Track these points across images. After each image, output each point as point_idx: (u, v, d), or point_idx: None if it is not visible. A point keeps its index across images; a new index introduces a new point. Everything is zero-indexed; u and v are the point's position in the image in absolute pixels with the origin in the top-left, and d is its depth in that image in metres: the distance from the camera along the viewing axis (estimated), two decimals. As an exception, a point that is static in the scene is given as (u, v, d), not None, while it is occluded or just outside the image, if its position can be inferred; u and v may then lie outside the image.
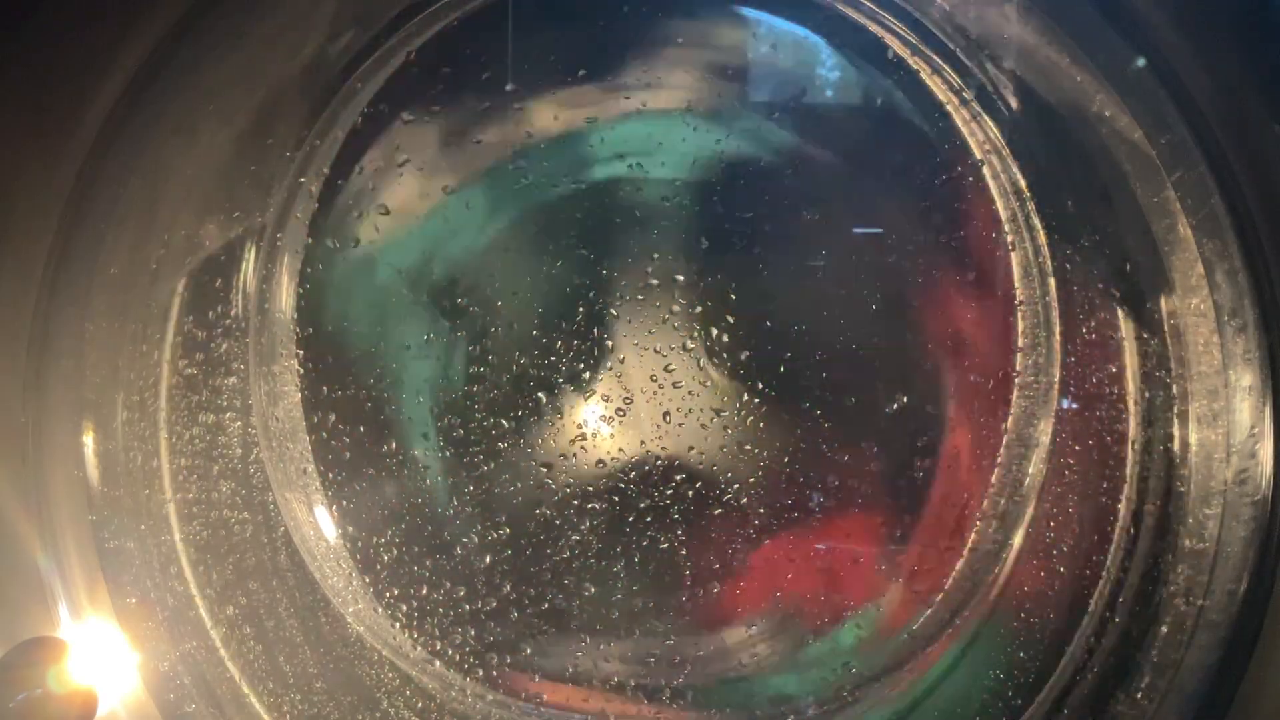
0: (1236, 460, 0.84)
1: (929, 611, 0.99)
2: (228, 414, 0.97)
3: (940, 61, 0.94)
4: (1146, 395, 0.90)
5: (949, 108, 0.95)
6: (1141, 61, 0.82)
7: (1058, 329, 0.95)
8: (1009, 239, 0.96)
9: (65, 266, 0.83)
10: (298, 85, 0.94)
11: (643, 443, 0.97)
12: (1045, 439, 0.96)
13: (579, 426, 0.98)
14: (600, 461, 0.98)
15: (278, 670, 0.98)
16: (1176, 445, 0.88)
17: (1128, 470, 0.91)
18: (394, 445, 1.00)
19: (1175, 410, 0.88)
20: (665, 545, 0.98)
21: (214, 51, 0.86)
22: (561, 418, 0.98)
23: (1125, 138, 0.86)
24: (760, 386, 0.97)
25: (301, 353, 0.99)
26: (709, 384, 0.97)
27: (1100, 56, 0.85)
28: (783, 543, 0.98)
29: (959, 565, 0.99)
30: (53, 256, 0.82)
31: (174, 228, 0.92)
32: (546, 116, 0.97)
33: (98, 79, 0.80)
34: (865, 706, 1.00)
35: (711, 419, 0.97)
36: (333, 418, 0.99)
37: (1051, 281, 0.95)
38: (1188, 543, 0.86)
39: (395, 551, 1.00)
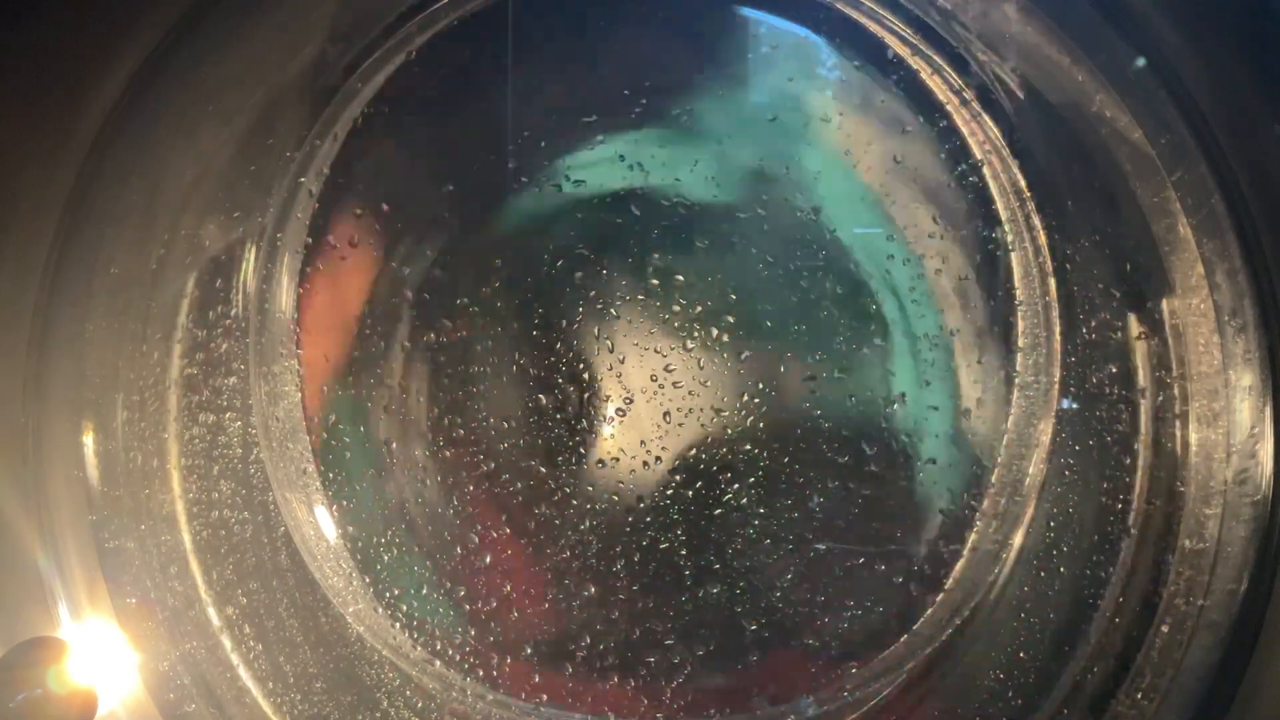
0: (1236, 460, 0.84)
1: (929, 611, 0.99)
2: (228, 414, 0.97)
3: (940, 61, 0.94)
4: (1146, 395, 0.90)
5: (949, 108, 0.95)
6: (1141, 61, 0.82)
7: (1058, 329, 0.95)
8: (1009, 239, 0.96)
9: (65, 266, 0.83)
10: (298, 85, 0.94)
11: (643, 443, 0.97)
12: (1045, 439, 0.96)
13: (579, 426, 0.98)
14: (600, 461, 0.98)
15: (278, 670, 0.98)
16: (1176, 445, 0.88)
17: (1128, 470, 0.91)
18: (394, 445, 1.00)
19: (1175, 410, 0.88)
20: (665, 545, 0.98)
21: (214, 51, 0.86)
22: (561, 418, 0.98)
23: (1125, 138, 0.86)
24: (760, 386, 0.97)
25: (302, 353, 0.99)
26: (709, 384, 0.97)
27: (1100, 56, 0.85)
28: (782, 543, 0.98)
29: (959, 565, 0.99)
30: (53, 256, 0.82)
31: (174, 228, 0.92)
32: (546, 117, 0.97)
33: (98, 79, 0.80)
34: (865, 706, 1.00)
35: (711, 419, 0.97)
36: (333, 418, 0.99)
37: (1051, 281, 0.95)
38: (1188, 543, 0.86)
39: (395, 551, 0.99)
